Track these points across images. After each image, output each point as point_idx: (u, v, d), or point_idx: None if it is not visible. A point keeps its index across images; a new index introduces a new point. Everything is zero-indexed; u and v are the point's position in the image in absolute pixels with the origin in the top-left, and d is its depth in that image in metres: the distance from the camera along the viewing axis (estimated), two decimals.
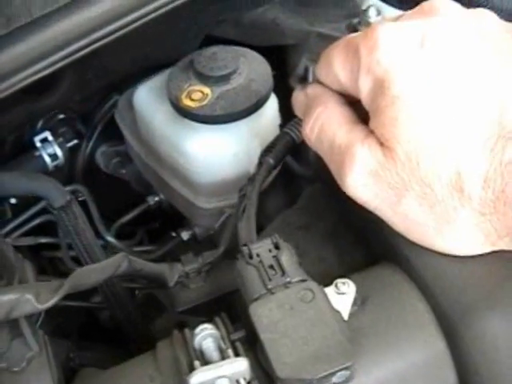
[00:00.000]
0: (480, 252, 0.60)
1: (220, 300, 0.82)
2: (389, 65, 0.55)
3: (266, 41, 0.95)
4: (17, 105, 0.71)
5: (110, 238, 0.96)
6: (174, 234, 1.11)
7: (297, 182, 0.98)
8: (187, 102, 0.82)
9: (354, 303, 0.66)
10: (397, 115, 0.54)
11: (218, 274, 0.82)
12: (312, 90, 0.66)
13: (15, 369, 0.63)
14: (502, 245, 0.58)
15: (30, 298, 0.60)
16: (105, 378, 0.68)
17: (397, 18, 0.62)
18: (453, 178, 0.53)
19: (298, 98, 0.68)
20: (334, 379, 0.61)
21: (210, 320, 0.69)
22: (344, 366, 0.60)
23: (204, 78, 0.82)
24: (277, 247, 0.68)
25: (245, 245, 0.69)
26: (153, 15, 0.73)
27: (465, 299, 0.66)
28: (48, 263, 0.99)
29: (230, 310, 0.72)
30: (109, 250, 0.96)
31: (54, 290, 0.61)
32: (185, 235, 0.97)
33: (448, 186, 0.54)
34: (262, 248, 0.68)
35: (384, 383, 0.65)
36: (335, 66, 0.60)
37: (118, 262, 0.68)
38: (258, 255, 0.67)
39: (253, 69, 0.84)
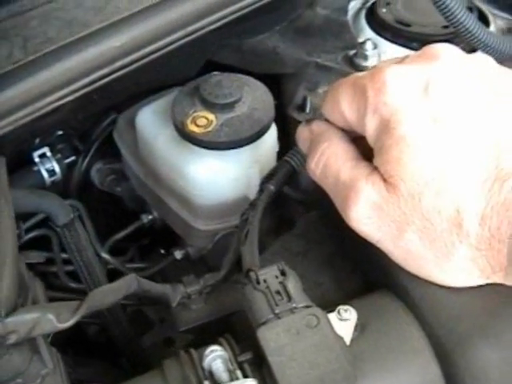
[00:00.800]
0: (475, 284, 0.63)
1: (220, 321, 0.84)
2: (395, 106, 0.58)
3: (265, 68, 0.98)
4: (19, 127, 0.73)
5: (105, 255, 0.98)
6: (162, 252, 1.14)
7: (287, 205, 1.00)
8: (192, 128, 0.84)
9: (355, 329, 0.69)
10: (401, 155, 0.57)
11: (218, 295, 0.84)
12: (317, 126, 0.69)
13: None
14: (496, 279, 0.61)
15: (52, 318, 0.62)
16: None
17: (401, 60, 0.65)
18: (452, 214, 0.56)
19: (303, 133, 0.71)
20: None
21: (213, 341, 0.71)
22: None
23: (209, 105, 0.85)
24: (283, 273, 0.71)
25: (251, 270, 0.71)
26: (164, 50, 0.76)
27: (459, 328, 0.69)
28: (41, 278, 1.00)
29: (230, 331, 0.75)
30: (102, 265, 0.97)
31: (74, 310, 0.63)
32: (178, 254, 0.99)
33: (448, 222, 0.57)
34: (268, 274, 0.71)
35: None
36: (342, 104, 0.63)
37: (129, 283, 0.70)
38: (265, 281, 0.70)
39: (256, 98, 0.87)
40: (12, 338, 0.60)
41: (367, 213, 0.61)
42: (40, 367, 0.65)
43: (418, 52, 0.64)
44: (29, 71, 0.71)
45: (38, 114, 0.69)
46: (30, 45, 0.75)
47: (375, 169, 0.61)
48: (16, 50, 0.75)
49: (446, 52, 0.62)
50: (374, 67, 0.63)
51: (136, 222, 1.03)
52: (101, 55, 0.70)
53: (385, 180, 0.59)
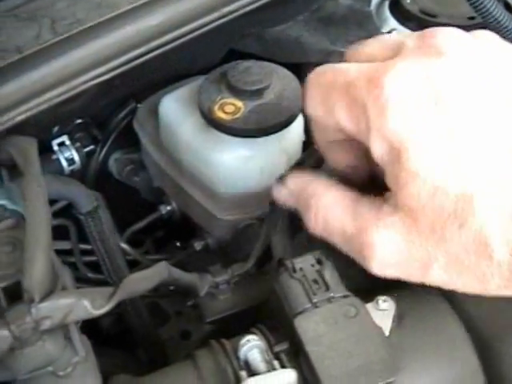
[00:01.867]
0: None
1: (247, 312, 0.82)
2: (404, 133, 0.50)
3: (288, 58, 0.96)
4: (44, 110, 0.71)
5: (124, 245, 0.96)
6: (178, 244, 1.12)
7: None
8: (220, 115, 0.82)
9: (392, 320, 0.68)
10: (419, 190, 0.50)
11: (245, 286, 0.82)
12: (294, 183, 0.62)
13: (61, 373, 0.63)
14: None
15: (86, 304, 0.60)
16: None
17: (398, 50, 0.55)
18: (480, 247, 0.51)
19: (281, 193, 0.63)
20: None
21: (245, 331, 0.70)
22: (387, 381, 0.62)
23: (237, 92, 0.83)
24: (319, 262, 0.69)
25: (286, 259, 0.70)
26: (196, 32, 0.74)
27: (499, 320, 0.68)
28: None
29: (258, 322, 0.73)
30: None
31: (109, 296, 0.61)
32: (197, 245, 0.97)
33: (475, 255, 0.51)
34: (305, 262, 0.69)
35: None
36: (337, 113, 0.54)
37: (161, 271, 0.69)
38: (301, 269, 0.69)
39: (284, 85, 0.85)
40: (46, 324, 0.59)
41: (388, 261, 0.54)
42: (71, 355, 0.63)
43: (417, 41, 0.54)
44: (58, 52, 0.69)
45: (72, 93, 0.67)
46: (58, 26, 0.74)
47: (380, 204, 0.54)
48: (44, 31, 0.73)
49: (449, 44, 0.53)
50: (369, 66, 0.53)
51: (154, 213, 1.01)
52: (137, 33, 0.68)
53: (402, 213, 0.52)
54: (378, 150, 0.52)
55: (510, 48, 0.56)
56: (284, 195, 0.62)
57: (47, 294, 0.59)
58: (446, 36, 0.54)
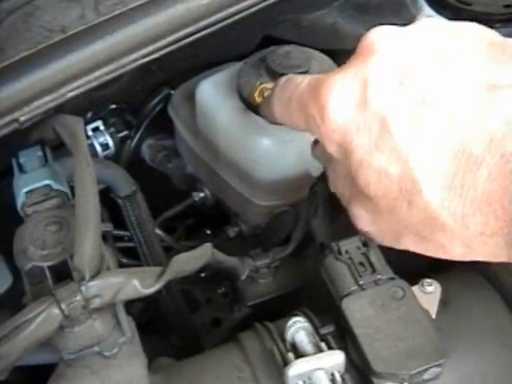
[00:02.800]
0: None
1: (287, 296, 0.82)
2: (343, 130, 0.55)
3: (324, 44, 0.95)
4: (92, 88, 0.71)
5: (159, 231, 0.96)
6: (208, 232, 1.12)
7: None
8: (260, 99, 0.82)
9: (439, 303, 0.68)
10: (367, 179, 0.55)
11: (286, 270, 0.82)
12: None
13: (107, 353, 0.63)
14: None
15: (136, 283, 0.60)
16: (191, 368, 0.68)
17: (342, 67, 0.58)
18: (430, 223, 0.54)
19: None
20: (426, 375, 0.62)
21: (292, 314, 0.69)
22: (437, 363, 0.62)
23: (278, 76, 0.82)
24: (365, 245, 0.69)
25: (331, 242, 0.70)
26: (244, 13, 0.74)
27: None
28: None
29: (298, 306, 0.73)
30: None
31: (158, 275, 0.61)
32: (231, 232, 0.97)
33: (430, 228, 0.54)
34: (350, 245, 0.69)
35: (466, 381, 0.67)
36: (295, 119, 0.62)
37: (206, 253, 0.68)
38: (347, 252, 0.68)
39: (323, 70, 0.85)
40: (96, 303, 0.59)
41: (364, 226, 0.60)
42: (118, 335, 0.63)
43: (355, 53, 0.58)
44: (101, 32, 0.69)
45: (116, 74, 0.66)
46: (101, 6, 0.73)
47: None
48: (87, 12, 0.73)
49: (380, 41, 0.56)
50: (315, 79, 0.59)
51: (187, 200, 1.01)
52: (187, 12, 0.68)
53: (366, 200, 0.58)
54: (333, 151, 0.58)
55: (451, 28, 0.57)
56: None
57: (96, 273, 0.59)
58: (377, 35, 0.57)
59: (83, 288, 0.58)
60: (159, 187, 1.07)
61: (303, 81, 0.60)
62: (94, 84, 0.65)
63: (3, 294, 0.87)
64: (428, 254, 0.58)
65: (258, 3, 0.71)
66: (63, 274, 0.61)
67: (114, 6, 0.73)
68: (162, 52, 0.67)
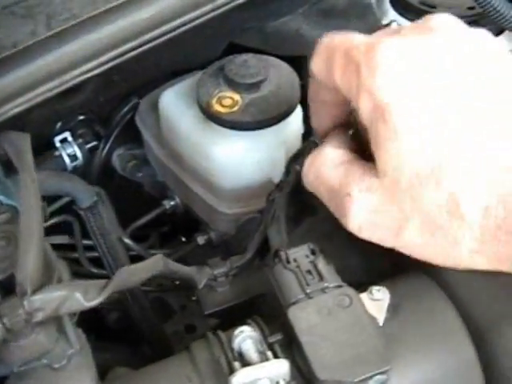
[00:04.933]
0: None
1: (245, 304, 0.83)
2: (390, 93, 0.54)
3: (289, 51, 0.96)
4: (43, 104, 0.72)
5: (128, 241, 0.97)
6: (183, 239, 1.13)
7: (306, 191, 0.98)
8: (218, 108, 0.83)
9: (387, 310, 0.68)
10: (399, 150, 0.53)
11: (244, 278, 0.82)
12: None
13: (56, 366, 0.63)
14: (503, 269, 0.55)
15: (79, 296, 0.60)
16: (142, 378, 0.69)
17: (398, 31, 0.59)
18: (453, 207, 0.53)
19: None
20: (371, 382, 0.62)
21: (240, 323, 0.70)
22: (381, 370, 0.62)
23: (235, 85, 0.83)
24: (313, 253, 0.69)
25: (281, 250, 0.70)
26: (185, 27, 0.74)
27: (495, 308, 0.68)
28: None
29: (256, 314, 0.73)
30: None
31: (101, 288, 0.62)
32: (200, 240, 0.98)
33: (448, 215, 0.53)
34: (298, 253, 0.69)
35: None
36: (335, 72, 0.59)
37: (156, 263, 0.69)
38: (295, 260, 0.69)
39: (282, 78, 0.86)
40: (38, 316, 0.59)
41: (365, 219, 0.57)
42: (66, 348, 0.64)
43: (416, 22, 0.59)
44: (52, 45, 0.70)
45: (64, 87, 0.67)
46: (53, 22, 0.74)
47: (368, 167, 0.58)
48: (40, 27, 0.74)
49: (444, 24, 0.57)
50: (370, 37, 0.58)
51: (158, 208, 1.02)
52: (128, 27, 0.69)
53: (382, 174, 0.56)
54: (365, 108, 0.55)
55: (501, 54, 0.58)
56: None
57: (40, 287, 0.60)
58: (439, 19, 0.58)
59: (25, 302, 0.58)
60: (132, 196, 1.08)
61: (356, 36, 0.59)
62: (37, 100, 0.66)
63: None
64: (427, 251, 0.56)
65: (198, 17, 0.72)
66: (11, 288, 0.62)
67: (65, 21, 0.74)
68: (106, 66, 0.68)
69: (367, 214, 0.57)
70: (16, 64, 0.68)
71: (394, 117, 0.53)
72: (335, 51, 0.59)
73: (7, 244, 0.65)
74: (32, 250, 0.60)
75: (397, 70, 0.54)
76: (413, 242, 0.56)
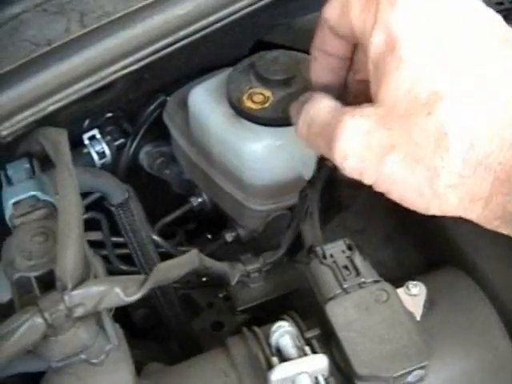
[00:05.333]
0: (449, 214, 0.57)
1: (278, 300, 0.83)
2: (405, 26, 0.55)
3: None
4: (74, 101, 0.72)
5: (157, 237, 0.97)
6: (209, 237, 1.13)
7: (337, 188, 0.98)
8: (249, 104, 0.83)
9: (424, 305, 0.68)
10: (401, 78, 0.54)
11: (277, 274, 0.83)
12: (303, 96, 0.66)
13: (94, 360, 0.63)
14: (473, 209, 0.55)
15: (119, 291, 0.60)
16: (179, 373, 0.69)
17: None
18: (440, 137, 0.53)
19: (294, 107, 0.67)
20: (410, 378, 0.62)
21: (272, 319, 0.70)
22: (420, 365, 0.62)
23: (266, 81, 0.83)
24: (350, 248, 0.69)
25: (317, 245, 0.70)
26: (218, 25, 0.74)
27: None
28: None
29: (289, 310, 0.73)
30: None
31: (140, 283, 0.62)
32: (228, 237, 0.98)
33: (434, 145, 0.54)
34: (335, 249, 0.69)
35: (452, 383, 0.67)
36: (352, 11, 0.59)
37: (192, 259, 0.69)
38: (331, 255, 0.69)
39: None
40: (79, 311, 0.59)
41: (353, 145, 0.57)
42: (104, 343, 0.64)
43: None
44: (86, 43, 0.70)
45: (101, 84, 0.67)
46: (86, 19, 0.74)
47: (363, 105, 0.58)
48: (73, 25, 0.74)
49: None
50: None
51: (185, 205, 1.02)
52: (164, 23, 0.68)
53: (378, 104, 0.56)
54: (377, 42, 0.56)
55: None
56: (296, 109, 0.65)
57: (80, 282, 0.60)
58: None
59: (66, 297, 0.59)
60: (158, 193, 1.08)
61: None
62: (73, 97, 0.66)
63: (5, 304, 0.88)
64: (403, 188, 0.56)
65: (233, 13, 0.72)
66: (50, 283, 0.62)
67: (98, 18, 0.74)
68: (141, 64, 0.68)
69: (357, 138, 0.56)
70: (51, 62, 0.68)
71: (406, 47, 0.54)
72: None
73: (45, 240, 0.66)
74: (71, 246, 0.61)
75: (414, 5, 0.55)
76: (393, 176, 0.55)
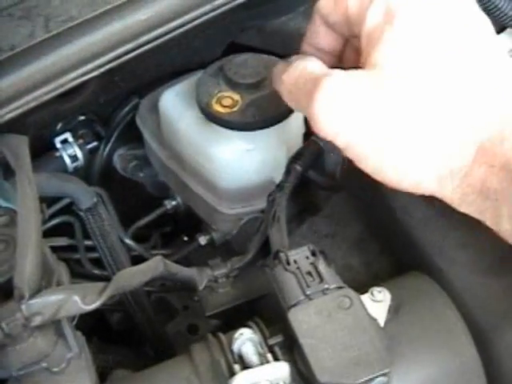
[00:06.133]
0: (425, 191, 0.57)
1: (246, 305, 0.82)
2: (403, 3, 0.57)
3: (289, 50, 0.95)
4: (42, 106, 0.72)
5: (129, 241, 0.96)
6: (185, 239, 1.12)
7: (310, 191, 0.98)
8: (217, 108, 0.82)
9: (388, 311, 0.67)
10: (398, 50, 0.56)
11: (245, 279, 0.82)
12: (291, 58, 0.68)
13: (55, 369, 0.63)
14: (449, 184, 0.55)
15: (77, 300, 0.60)
16: (142, 380, 0.69)
17: None
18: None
19: (280, 66, 0.68)
20: None
21: (241, 325, 0.69)
22: (382, 372, 0.61)
23: (234, 85, 0.83)
24: (313, 254, 0.69)
25: (281, 251, 0.70)
26: (184, 28, 0.74)
27: (497, 309, 0.67)
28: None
29: (257, 315, 0.73)
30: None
31: (100, 291, 0.61)
32: (202, 240, 0.97)
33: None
34: (299, 255, 0.69)
35: None
36: None
37: (156, 265, 0.68)
38: (295, 262, 0.68)
39: None
40: (36, 320, 0.59)
41: (334, 99, 0.56)
42: (65, 351, 0.64)
43: None
44: (50, 48, 0.69)
45: (61, 90, 0.67)
46: (51, 24, 0.74)
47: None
48: (38, 30, 0.73)
49: None
50: None
51: (159, 208, 1.02)
52: (125, 29, 0.68)
53: (369, 66, 0.57)
54: (374, 15, 0.57)
55: None
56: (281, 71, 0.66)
57: (38, 291, 0.60)
58: None
59: (23, 306, 0.58)
60: (133, 196, 1.07)
61: None
62: (33, 104, 0.65)
63: None
64: (384, 152, 0.56)
65: (196, 18, 0.71)
66: (11, 291, 0.61)
67: (63, 23, 0.73)
68: (103, 69, 0.67)
69: (341, 93, 0.56)
70: (13, 67, 0.68)
71: (402, 19, 0.56)
72: None
73: (6, 247, 0.65)
74: (29, 254, 0.60)
75: None
76: (372, 140, 0.56)
